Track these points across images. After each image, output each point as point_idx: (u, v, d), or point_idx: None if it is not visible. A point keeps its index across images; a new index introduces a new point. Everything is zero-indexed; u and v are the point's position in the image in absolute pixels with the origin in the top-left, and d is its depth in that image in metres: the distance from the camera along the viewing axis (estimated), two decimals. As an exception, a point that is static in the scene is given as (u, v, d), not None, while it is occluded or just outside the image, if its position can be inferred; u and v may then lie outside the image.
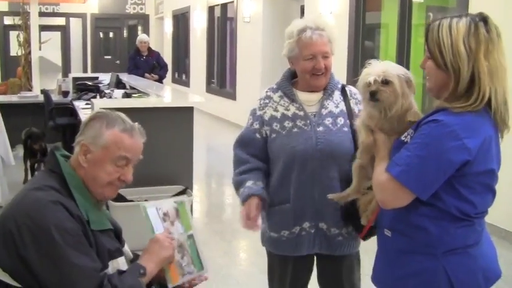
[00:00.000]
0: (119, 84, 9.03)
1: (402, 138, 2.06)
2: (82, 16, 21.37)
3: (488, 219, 2.16)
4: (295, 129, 2.68)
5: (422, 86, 7.67)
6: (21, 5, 12.37)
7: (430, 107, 2.05)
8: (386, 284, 2.22)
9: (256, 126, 2.78)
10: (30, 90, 11.01)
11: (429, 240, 2.04)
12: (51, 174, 2.20)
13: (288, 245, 2.76)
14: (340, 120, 2.71)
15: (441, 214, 2.01)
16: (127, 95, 7.41)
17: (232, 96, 13.51)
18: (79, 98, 8.78)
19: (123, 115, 2.30)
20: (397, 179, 1.99)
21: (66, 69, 18.58)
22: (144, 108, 5.53)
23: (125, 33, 22.43)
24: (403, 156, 1.99)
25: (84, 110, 7.44)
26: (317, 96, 2.76)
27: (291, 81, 2.81)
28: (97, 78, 10.24)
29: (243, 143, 2.81)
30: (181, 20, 18.57)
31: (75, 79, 9.99)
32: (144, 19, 22.12)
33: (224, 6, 14.48)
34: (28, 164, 7.45)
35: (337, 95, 2.79)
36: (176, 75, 19.29)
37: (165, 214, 2.43)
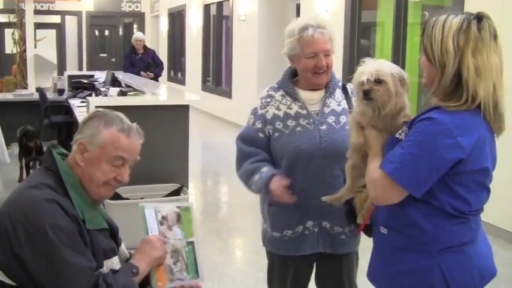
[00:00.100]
0: (115, 82, 9.01)
1: (397, 135, 2.07)
2: (77, 14, 21.31)
3: (483, 217, 2.16)
4: (299, 128, 2.67)
5: (418, 84, 7.70)
6: (16, 3, 12.34)
7: (426, 106, 2.06)
8: (381, 281, 2.23)
9: (258, 125, 2.75)
10: (26, 88, 11.00)
11: (424, 238, 2.04)
12: (48, 172, 2.19)
13: (291, 245, 2.75)
14: (343, 119, 2.71)
15: (436, 211, 2.02)
16: (122, 93, 7.39)
17: (227, 94, 13.51)
18: (74, 96, 8.77)
19: (122, 115, 2.29)
20: (390, 176, 1.99)
21: (61, 67, 18.52)
22: (139, 106, 5.52)
23: (121, 31, 22.39)
24: (397, 153, 2.00)
25: (79, 108, 7.43)
26: (319, 94, 2.75)
27: (292, 80, 2.80)
28: (92, 76, 10.22)
29: (247, 141, 2.77)
30: (177, 18, 18.55)
31: (70, 77, 9.97)
32: (139, 17, 22.08)
33: (220, 5, 14.46)
34: (23, 162, 7.43)
35: (338, 93, 2.78)
36: (172, 73, 19.27)
37: (163, 217, 2.42)
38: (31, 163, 7.47)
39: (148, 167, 5.08)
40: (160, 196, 5.26)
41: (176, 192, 5.39)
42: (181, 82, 17.74)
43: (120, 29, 22.37)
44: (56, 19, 21.29)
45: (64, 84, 9.83)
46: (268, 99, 2.77)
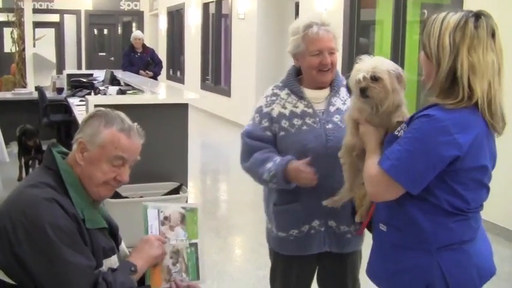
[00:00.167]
0: (114, 81, 9.01)
1: (396, 132, 2.07)
2: (76, 13, 21.31)
3: (483, 215, 2.16)
4: (305, 127, 2.65)
5: (417, 82, 7.70)
6: (15, 2, 12.31)
7: (424, 104, 2.06)
8: (380, 278, 2.23)
9: (265, 123, 2.71)
10: (25, 87, 10.98)
11: (423, 235, 2.04)
12: (47, 171, 2.18)
13: (297, 244, 2.72)
14: None
15: (434, 209, 2.02)
16: (121, 92, 7.38)
17: (226, 93, 13.50)
18: (73, 95, 8.77)
19: (122, 114, 2.28)
20: (387, 173, 2.00)
21: (60, 66, 18.50)
22: (138, 105, 5.51)
23: (119, 30, 22.39)
24: (394, 150, 2.01)
25: (78, 106, 7.42)
26: (324, 93, 2.74)
27: (296, 79, 2.78)
28: (91, 75, 10.23)
29: (254, 138, 2.72)
30: (175, 16, 18.54)
31: (69, 76, 9.98)
32: (138, 16, 22.07)
33: (219, 3, 14.45)
34: (22, 161, 7.43)
35: (343, 91, 2.76)
36: (171, 72, 19.27)
37: (165, 218, 2.41)
38: (30, 162, 7.46)
39: (148, 165, 5.07)
40: (159, 194, 5.26)
41: (175, 191, 5.39)
42: (180, 81, 17.74)
43: (119, 28, 22.36)
44: (54, 18, 21.30)
45: (63, 83, 9.83)
46: (274, 98, 2.74)
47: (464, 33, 1.95)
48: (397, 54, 7.62)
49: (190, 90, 11.64)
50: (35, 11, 15.26)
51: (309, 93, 2.72)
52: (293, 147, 2.64)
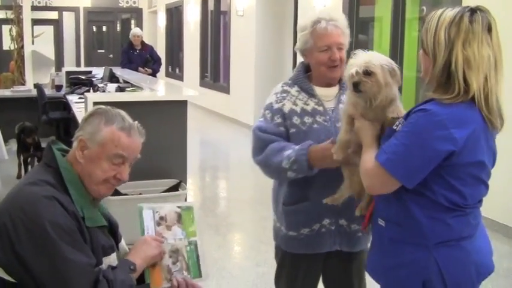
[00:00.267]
0: (113, 78, 9.01)
1: (394, 127, 2.08)
2: (75, 10, 21.30)
3: (482, 212, 2.16)
4: (316, 125, 2.61)
5: (416, 79, 7.71)
6: (14, -1, 12.33)
7: (423, 100, 2.07)
8: (378, 272, 2.24)
9: (278, 119, 2.65)
10: (23, 85, 11.00)
11: (421, 230, 2.05)
12: (47, 169, 2.18)
13: (308, 243, 2.69)
14: None
15: (432, 204, 2.02)
16: (120, 89, 7.39)
17: (225, 90, 13.50)
18: (72, 92, 8.77)
19: (123, 112, 2.28)
20: (383, 166, 2.01)
21: (59, 63, 18.52)
22: (137, 102, 5.51)
23: (118, 27, 22.37)
24: (391, 144, 2.02)
25: (77, 104, 7.42)
26: (334, 91, 2.70)
27: (305, 75, 2.74)
28: (90, 72, 10.22)
29: (268, 133, 2.65)
30: (174, 13, 18.53)
31: (68, 73, 9.98)
32: (137, 13, 22.06)
33: (218, 0, 14.44)
34: (21, 158, 7.42)
35: None
36: (170, 69, 19.26)
37: (161, 218, 2.41)
38: (29, 159, 7.46)
39: (147, 162, 5.06)
40: (158, 192, 5.27)
41: (174, 188, 5.39)
42: (179, 78, 17.73)
43: (118, 25, 22.34)
44: (53, 15, 21.28)
45: (62, 80, 9.83)
46: (284, 94, 2.70)
47: (459, 28, 1.96)
48: (396, 51, 7.62)
49: (189, 87, 11.62)
50: (34, 8, 15.25)
51: (319, 90, 2.68)
52: None
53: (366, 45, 8.89)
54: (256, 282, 4.57)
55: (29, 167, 7.39)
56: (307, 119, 2.63)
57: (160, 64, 11.93)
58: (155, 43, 18.26)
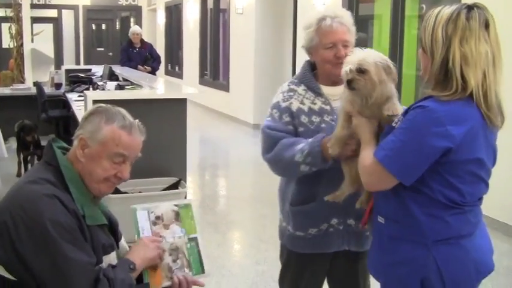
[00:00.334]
0: (112, 76, 9.00)
1: (393, 124, 2.09)
2: (74, 8, 21.29)
3: (481, 210, 2.17)
4: (323, 125, 2.59)
5: (416, 77, 7.71)
6: (13, -3, 12.30)
7: (422, 97, 2.08)
8: (378, 270, 2.24)
9: (286, 118, 2.62)
10: (23, 83, 10.98)
11: (419, 228, 2.05)
12: (47, 167, 2.17)
13: (315, 243, 2.68)
14: None
15: (430, 201, 2.03)
16: (120, 87, 7.38)
17: (225, 87, 13.50)
18: (72, 90, 8.76)
19: (123, 111, 2.27)
20: (381, 163, 2.02)
21: (58, 61, 18.50)
22: (137, 100, 5.50)
23: (118, 25, 22.36)
24: (389, 140, 2.03)
25: (77, 102, 7.42)
26: (340, 90, 2.63)
27: (312, 73, 2.72)
28: (90, 70, 10.21)
29: (277, 131, 2.62)
30: (174, 11, 18.52)
31: (67, 71, 9.97)
32: (136, 11, 22.04)
33: (217, -2, 14.45)
34: (21, 156, 7.42)
35: None
36: (169, 67, 19.26)
37: (157, 218, 2.40)
38: (29, 157, 7.46)
39: (146, 160, 5.06)
40: (158, 190, 5.26)
41: (174, 186, 5.39)
42: (179, 76, 17.73)
43: (117, 23, 22.34)
44: (52, 13, 21.27)
45: (61, 78, 9.83)
46: (291, 93, 2.67)
47: (456, 25, 1.97)
48: (396, 49, 7.62)
49: (188, 85, 11.63)
50: (33, 6, 15.25)
51: (325, 89, 2.67)
52: None
53: (366, 43, 8.89)
54: (256, 281, 4.57)
55: (29, 165, 7.40)
56: (315, 118, 2.61)
57: (159, 62, 11.92)
58: (154, 41, 18.26)
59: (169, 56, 19.15)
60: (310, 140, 2.50)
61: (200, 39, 15.55)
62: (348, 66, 2.19)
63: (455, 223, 2.05)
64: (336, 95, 2.64)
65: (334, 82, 2.66)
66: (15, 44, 11.93)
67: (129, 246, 2.40)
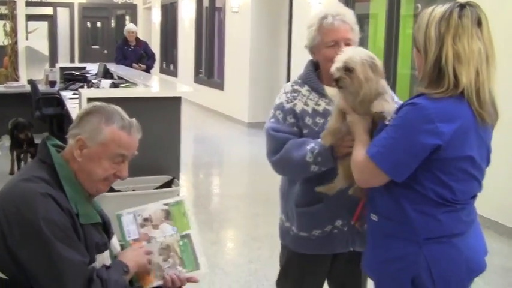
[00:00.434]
0: (107, 74, 8.98)
1: (386, 121, 2.09)
2: (69, 6, 21.24)
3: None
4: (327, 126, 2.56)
5: (410, 76, 7.71)
6: (8, -6, 12.29)
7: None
8: (371, 268, 2.25)
9: (291, 120, 2.60)
10: (17, 80, 10.98)
11: (411, 225, 2.06)
12: (41, 165, 2.16)
13: (319, 244, 2.66)
14: None
15: (422, 199, 2.03)
16: (115, 85, 7.37)
17: (220, 86, 13.49)
18: (66, 88, 8.74)
19: (119, 109, 2.26)
20: (372, 159, 2.03)
21: (53, 59, 18.44)
22: (131, 98, 5.50)
23: (113, 23, 22.33)
24: (381, 137, 2.04)
25: (71, 100, 7.40)
26: None
27: (315, 73, 2.70)
28: (84, 68, 10.20)
29: (283, 133, 2.60)
30: (169, 9, 18.50)
31: (62, 69, 9.95)
32: (132, 9, 22.01)
33: (212, -4, 14.44)
34: (14, 154, 7.40)
35: None
36: (164, 65, 19.24)
37: (145, 219, 2.40)
38: (22, 155, 7.43)
39: (140, 158, 5.05)
40: (151, 188, 5.25)
41: (167, 184, 5.38)
42: (174, 74, 17.71)
43: (112, 21, 22.31)
44: (47, 11, 21.21)
45: (56, 76, 9.80)
46: (295, 94, 2.64)
47: (448, 23, 1.98)
48: (391, 48, 7.63)
49: (183, 84, 11.61)
50: (28, 3, 15.20)
51: (329, 90, 2.62)
52: None
53: (361, 42, 8.89)
54: (249, 279, 4.58)
55: (22, 163, 7.38)
56: (319, 120, 2.59)
57: (154, 60, 11.91)
58: (150, 39, 18.21)
59: (164, 54, 19.13)
60: (318, 140, 2.47)
61: (195, 38, 15.54)
62: (335, 64, 2.21)
63: (448, 221, 2.05)
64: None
65: None
66: (10, 42, 11.93)
67: (121, 245, 2.39)
